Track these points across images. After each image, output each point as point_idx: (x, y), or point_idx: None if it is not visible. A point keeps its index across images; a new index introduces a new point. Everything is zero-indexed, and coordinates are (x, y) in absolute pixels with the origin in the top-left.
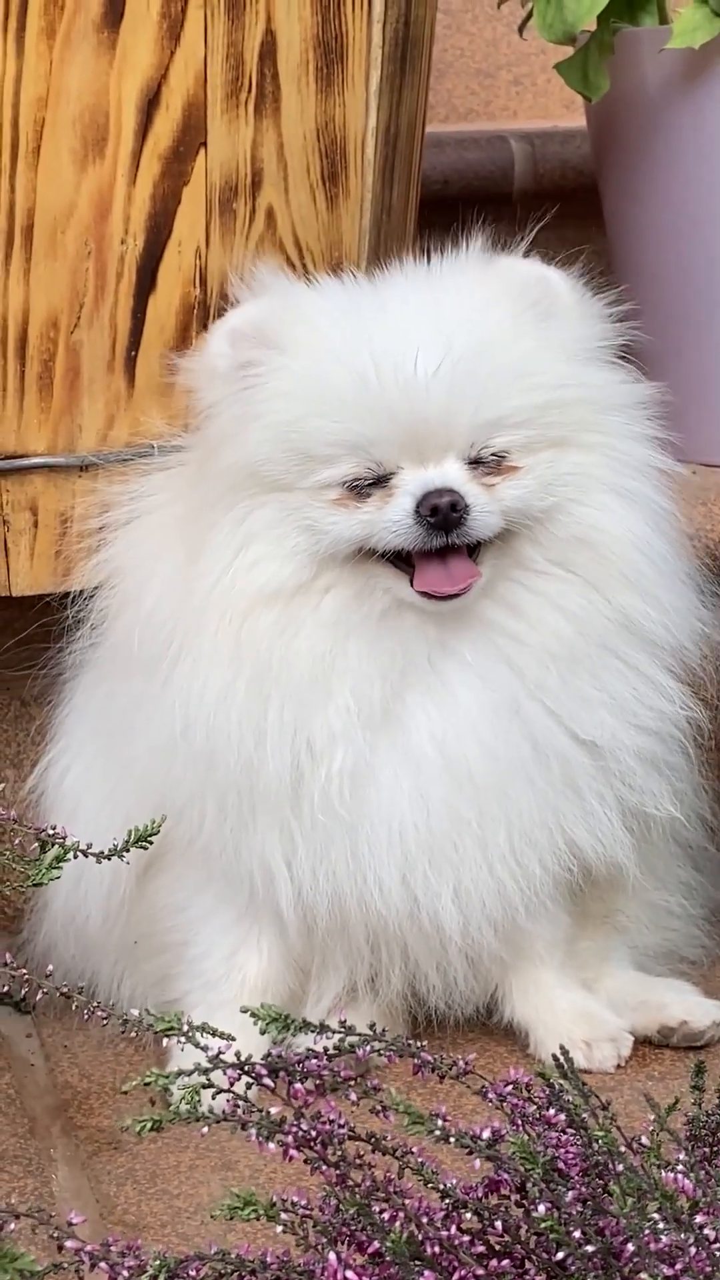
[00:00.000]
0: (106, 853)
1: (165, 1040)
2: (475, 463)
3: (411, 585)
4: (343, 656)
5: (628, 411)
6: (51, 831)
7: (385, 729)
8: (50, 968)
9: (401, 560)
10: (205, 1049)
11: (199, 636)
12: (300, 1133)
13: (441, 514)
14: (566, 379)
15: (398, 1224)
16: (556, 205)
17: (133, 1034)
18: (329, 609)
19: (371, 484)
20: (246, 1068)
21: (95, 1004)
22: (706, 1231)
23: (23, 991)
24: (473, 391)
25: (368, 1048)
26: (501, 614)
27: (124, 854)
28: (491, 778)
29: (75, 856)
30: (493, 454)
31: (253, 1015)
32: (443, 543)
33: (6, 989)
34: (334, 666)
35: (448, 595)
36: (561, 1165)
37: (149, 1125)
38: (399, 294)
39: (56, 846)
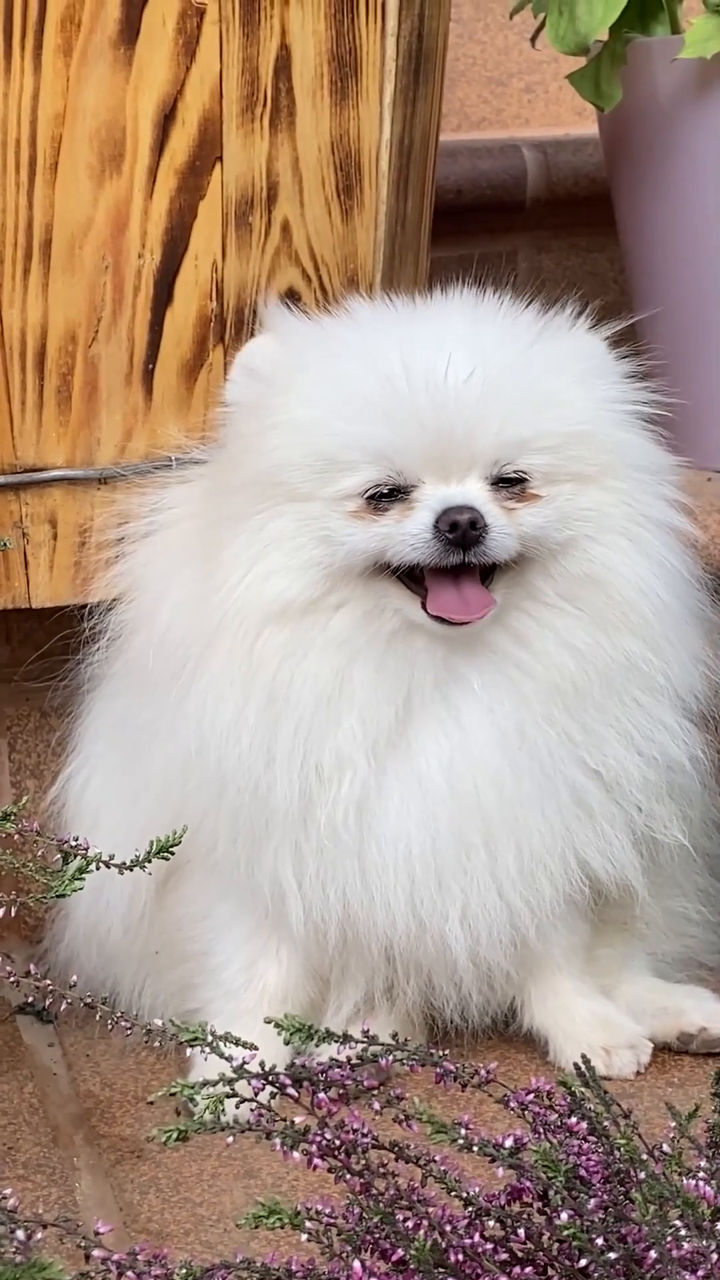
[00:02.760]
0: (129, 863)
1: (189, 1049)
2: (497, 484)
3: (423, 607)
4: (349, 680)
5: (653, 473)
6: (74, 843)
7: (393, 754)
8: (74, 978)
9: (414, 580)
10: (230, 1059)
11: (213, 657)
12: (324, 1142)
13: (461, 530)
14: (595, 419)
15: (421, 1232)
16: (569, 213)
17: (156, 1043)
18: (337, 628)
19: (391, 496)
20: (271, 1077)
21: (119, 1014)
22: None
23: (46, 1001)
24: (502, 406)
25: (390, 1057)
26: (509, 643)
27: (146, 864)
28: (499, 804)
29: (98, 868)
30: (515, 473)
31: (276, 1025)
32: (459, 560)
33: (29, 999)
34: (341, 690)
35: (462, 622)
36: (583, 1173)
37: (175, 1135)
38: (438, 312)
39: (79, 858)
